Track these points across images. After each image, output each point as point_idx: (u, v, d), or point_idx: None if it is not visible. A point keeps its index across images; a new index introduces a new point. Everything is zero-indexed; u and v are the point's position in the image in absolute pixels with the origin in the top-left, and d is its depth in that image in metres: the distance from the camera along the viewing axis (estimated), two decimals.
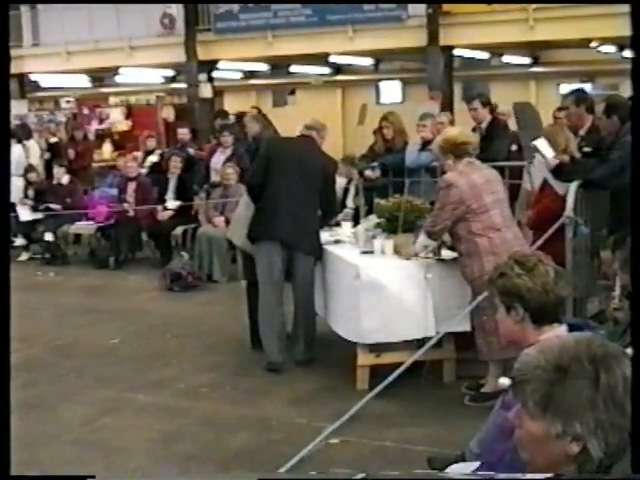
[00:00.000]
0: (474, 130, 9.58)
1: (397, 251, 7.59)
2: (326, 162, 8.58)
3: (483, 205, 6.88)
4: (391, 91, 29.14)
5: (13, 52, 24.26)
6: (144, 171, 15.29)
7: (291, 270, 8.28)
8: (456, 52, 23.53)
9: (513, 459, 2.88)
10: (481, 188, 6.92)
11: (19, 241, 15.51)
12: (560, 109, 10.83)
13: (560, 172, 7.83)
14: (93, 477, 5.41)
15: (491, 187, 7.01)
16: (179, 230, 13.43)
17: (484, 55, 26.71)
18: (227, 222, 12.53)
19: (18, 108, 26.00)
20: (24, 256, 15.21)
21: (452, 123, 11.77)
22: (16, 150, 16.35)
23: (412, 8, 22.06)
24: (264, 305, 8.24)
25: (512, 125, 12.59)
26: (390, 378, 5.92)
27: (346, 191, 12.25)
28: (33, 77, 29.88)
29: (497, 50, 25.80)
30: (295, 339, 8.38)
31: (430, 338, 6.97)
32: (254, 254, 8.34)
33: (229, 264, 12.56)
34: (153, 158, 15.57)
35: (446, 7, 21.41)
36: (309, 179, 8.19)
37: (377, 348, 7.44)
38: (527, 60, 28.61)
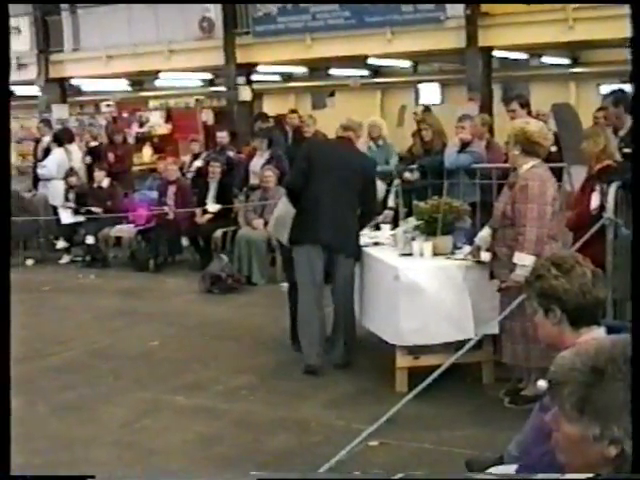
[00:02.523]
0: None
1: (437, 253, 7.58)
2: (366, 162, 8.59)
3: (553, 212, 6.83)
4: (430, 93, 29.01)
5: (54, 57, 24.80)
6: (190, 175, 15.38)
7: (331, 272, 8.26)
8: (495, 53, 23.40)
9: (551, 462, 2.86)
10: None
11: (60, 244, 15.63)
12: (600, 110, 10.76)
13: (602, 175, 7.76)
14: (93, 477, 5.44)
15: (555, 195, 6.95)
16: (219, 233, 13.45)
17: (523, 56, 26.55)
18: (266, 224, 12.57)
19: (59, 112, 26.25)
20: (65, 259, 15.33)
21: (490, 125, 11.73)
22: (58, 154, 16.47)
23: (450, 9, 21.97)
24: (303, 308, 8.22)
25: (551, 126, 12.51)
26: (429, 380, 5.89)
27: (387, 193, 12.23)
28: (74, 81, 30.10)
29: (536, 51, 25.63)
30: (334, 342, 8.34)
31: (469, 340, 6.94)
32: (294, 256, 8.31)
33: (268, 266, 12.59)
34: (198, 163, 15.64)
35: (485, 8, 21.30)
36: (349, 181, 8.16)
37: (416, 350, 7.43)
38: (566, 61, 28.41)
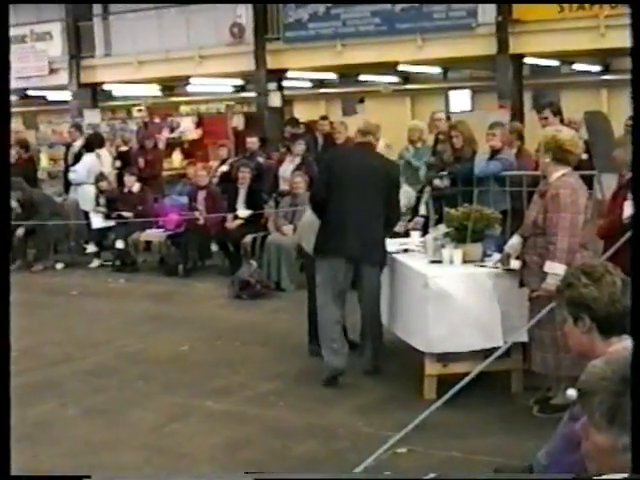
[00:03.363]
0: None
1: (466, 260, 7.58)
2: (388, 167, 8.51)
3: (584, 220, 6.81)
4: (460, 99, 28.99)
5: (86, 62, 24.94)
6: (215, 180, 15.43)
7: (357, 280, 8.20)
8: (526, 60, 23.35)
9: (581, 471, 2.85)
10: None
11: (91, 248, 15.71)
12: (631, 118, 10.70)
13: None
14: (89, 477, 5.45)
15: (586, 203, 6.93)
16: (248, 238, 13.47)
17: (554, 63, 26.47)
18: (296, 230, 12.59)
19: (91, 117, 26.37)
20: (95, 263, 15.40)
21: (521, 133, 11.70)
22: (89, 159, 16.56)
23: (481, 16, 21.94)
24: (323, 318, 8.14)
25: (583, 134, 12.46)
26: (458, 387, 5.88)
27: (417, 200, 12.23)
28: (105, 87, 30.26)
29: (567, 58, 25.54)
30: (363, 348, 8.32)
31: (498, 348, 6.93)
32: (317, 266, 8.23)
33: (297, 272, 12.58)
34: (223, 168, 15.69)
35: (516, 15, 21.26)
36: (373, 188, 8.06)
37: (444, 358, 7.42)
38: (598, 68, 28.30)
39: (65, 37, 28.65)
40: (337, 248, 7.99)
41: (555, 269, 6.53)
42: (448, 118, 13.67)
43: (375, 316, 8.28)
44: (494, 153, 10.66)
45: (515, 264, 7.28)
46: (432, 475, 2.13)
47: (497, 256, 7.57)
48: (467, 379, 5.88)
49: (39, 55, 29.07)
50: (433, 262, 7.76)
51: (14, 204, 15.63)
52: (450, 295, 7.20)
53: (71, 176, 16.81)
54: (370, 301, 8.22)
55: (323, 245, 8.15)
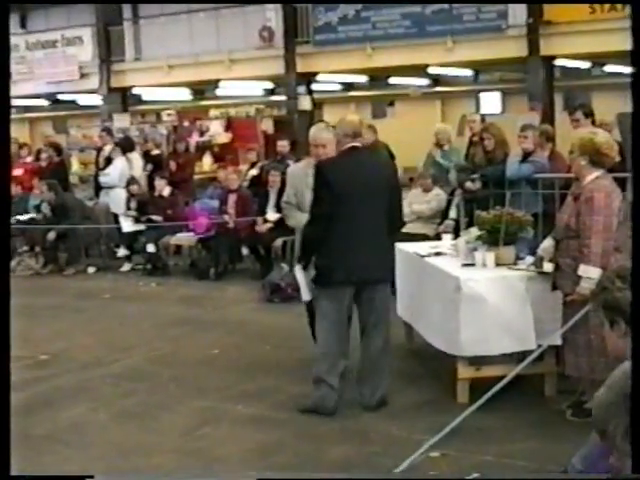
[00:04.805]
0: None
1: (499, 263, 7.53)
2: (387, 167, 7.87)
3: (617, 223, 6.75)
4: (491, 102, 28.93)
5: (116, 67, 25.08)
6: (245, 184, 15.44)
7: (363, 302, 7.48)
8: (557, 62, 23.25)
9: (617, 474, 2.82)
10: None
11: (121, 252, 15.77)
12: None
13: None
14: (92, 477, 5.43)
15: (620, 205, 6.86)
16: (279, 242, 13.45)
17: (585, 65, 26.34)
18: None
19: (121, 121, 26.47)
20: (126, 267, 15.45)
21: (552, 135, 11.63)
22: (120, 163, 16.62)
23: (512, 18, 21.89)
24: (329, 351, 7.43)
25: (616, 136, 12.36)
26: (493, 391, 5.84)
27: (448, 202, 12.18)
28: (135, 91, 30.39)
29: (599, 59, 25.43)
30: (374, 379, 7.54)
31: (530, 351, 6.88)
32: (321, 294, 7.41)
33: None
34: (254, 172, 15.70)
35: (547, 16, 21.18)
36: (376, 198, 7.30)
37: (477, 361, 7.38)
38: (630, 69, 28.11)
39: (95, 42, 28.82)
40: (346, 275, 7.24)
41: (589, 272, 6.47)
42: (483, 120, 13.61)
43: (388, 341, 7.70)
44: (526, 155, 10.60)
45: (548, 267, 7.22)
46: (475, 475, 2.11)
47: (530, 259, 7.52)
48: (502, 383, 5.84)
49: (70, 60, 29.24)
50: (465, 265, 7.72)
51: (45, 207, 15.74)
52: (483, 298, 7.16)
53: (103, 179, 16.88)
54: (382, 323, 7.60)
55: (328, 273, 7.27)
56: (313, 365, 7.49)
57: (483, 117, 14.56)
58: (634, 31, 2.60)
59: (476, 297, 7.17)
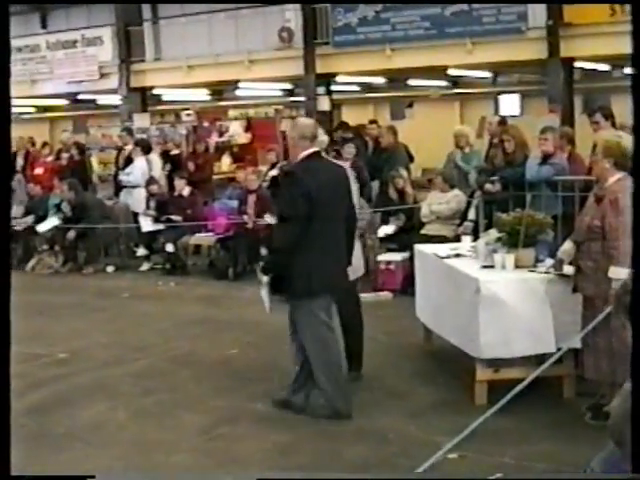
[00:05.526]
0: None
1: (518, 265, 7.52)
2: (343, 173, 7.52)
3: None
4: (510, 104, 28.84)
5: (136, 67, 25.10)
6: (265, 184, 15.46)
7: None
8: (577, 64, 23.17)
9: None
10: None
11: (141, 251, 15.81)
12: None
13: None
14: (93, 477, 5.44)
15: None
16: None
17: (605, 67, 26.25)
18: None
19: (140, 121, 26.53)
20: (145, 266, 15.49)
21: (572, 137, 11.60)
22: (140, 163, 16.66)
23: (532, 20, 21.82)
24: (332, 357, 7.30)
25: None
26: (512, 393, 5.83)
27: (468, 204, 12.17)
28: (155, 91, 30.45)
29: (619, 62, 25.31)
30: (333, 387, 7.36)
31: (549, 354, 6.87)
32: (304, 308, 7.25)
33: None
34: (274, 172, 15.70)
35: (567, 18, 21.11)
36: (341, 203, 7.23)
37: (496, 363, 7.37)
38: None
39: (115, 42, 28.88)
40: (330, 283, 7.18)
41: (620, 274, 6.43)
42: (503, 122, 13.59)
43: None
44: (546, 158, 10.58)
45: (568, 269, 7.21)
46: (498, 475, 2.10)
47: (549, 261, 7.50)
48: (522, 385, 5.83)
49: (90, 59, 29.31)
50: (485, 267, 7.72)
51: (65, 207, 15.79)
52: (502, 300, 7.16)
53: (125, 179, 16.92)
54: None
55: (313, 283, 7.07)
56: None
57: (504, 119, 14.54)
58: (634, 31, 2.60)
59: (495, 299, 7.16)
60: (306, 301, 7.19)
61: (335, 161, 8.12)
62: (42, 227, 15.98)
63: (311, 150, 7.14)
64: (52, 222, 15.97)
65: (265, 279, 7.15)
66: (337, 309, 7.38)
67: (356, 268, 7.87)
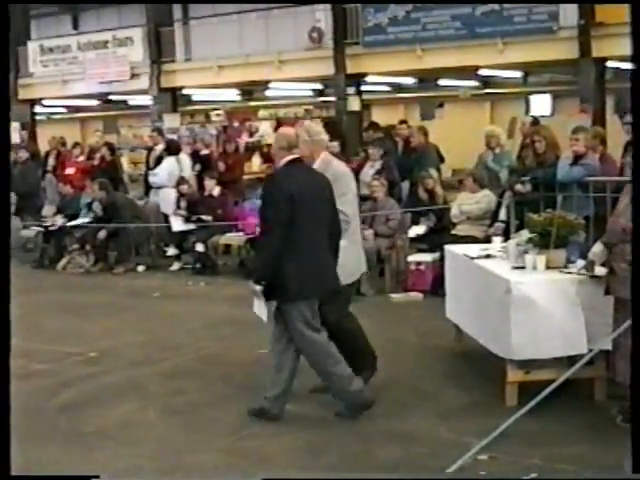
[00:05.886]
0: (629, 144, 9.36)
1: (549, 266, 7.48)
2: (326, 180, 7.45)
3: None
4: (541, 104, 28.74)
5: (166, 67, 25.22)
6: None
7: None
8: (608, 64, 23.04)
9: None
10: None
11: (171, 251, 15.85)
12: None
13: None
14: (97, 477, 5.44)
15: None
16: None
17: None
18: (376, 235, 12.56)
19: (171, 121, 26.67)
20: (176, 266, 15.53)
21: (603, 137, 11.55)
22: (169, 162, 16.72)
23: (563, 19, 21.75)
24: (326, 356, 7.31)
25: None
26: (543, 394, 5.81)
27: (498, 205, 12.13)
28: (185, 91, 30.57)
29: None
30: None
31: (580, 355, 6.83)
32: (293, 311, 7.21)
33: (377, 277, 12.60)
34: None
35: (599, 18, 21.02)
36: (327, 209, 7.28)
37: (526, 364, 7.34)
38: None
39: (146, 42, 29.02)
40: (316, 287, 7.20)
41: None
42: (536, 122, 13.54)
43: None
44: (577, 158, 10.53)
45: (599, 271, 7.17)
46: (533, 475, 2.09)
47: (581, 262, 7.46)
48: (553, 386, 5.81)
49: (120, 60, 29.47)
50: (516, 268, 7.68)
51: (97, 207, 15.88)
52: (533, 301, 7.12)
53: (152, 179, 17.01)
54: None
55: (300, 286, 7.09)
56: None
57: (536, 120, 14.49)
58: (634, 31, 2.58)
59: (526, 300, 7.13)
60: (294, 304, 7.18)
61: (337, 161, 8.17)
62: (74, 222, 16.08)
63: (290, 157, 7.27)
64: (83, 219, 16.07)
65: (258, 288, 7.12)
66: (327, 313, 7.46)
67: (350, 272, 7.76)
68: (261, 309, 7.27)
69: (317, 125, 8.36)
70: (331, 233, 7.31)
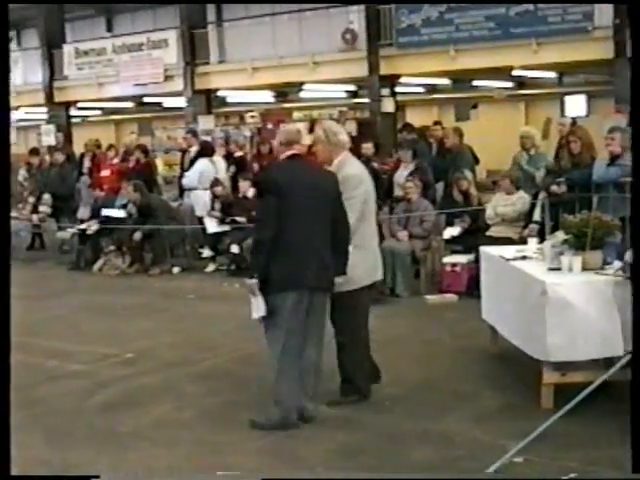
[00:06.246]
0: None
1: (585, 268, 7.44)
2: (329, 178, 7.48)
3: None
4: (576, 104, 28.56)
5: (200, 69, 25.30)
6: None
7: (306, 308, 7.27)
8: None
9: None
10: None
11: (206, 253, 15.91)
12: None
13: None
14: (98, 477, 5.45)
15: None
16: None
17: None
18: (410, 236, 12.55)
19: (205, 123, 26.75)
20: (211, 267, 15.57)
21: None
22: (201, 164, 16.78)
23: (598, 19, 21.63)
24: (287, 358, 7.23)
25: None
26: (580, 396, 5.78)
27: (533, 206, 12.09)
28: (219, 93, 30.66)
29: None
30: (306, 392, 7.41)
31: (618, 357, 6.79)
32: (276, 304, 7.15)
33: (412, 279, 12.58)
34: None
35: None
36: (325, 206, 7.22)
37: (563, 366, 7.31)
38: None
39: (180, 44, 29.13)
40: (301, 278, 7.10)
41: None
42: (574, 123, 13.49)
43: (322, 350, 7.52)
44: (613, 158, 10.47)
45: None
46: (572, 475, 2.09)
47: (618, 264, 7.42)
48: (590, 388, 5.78)
49: (155, 62, 29.61)
50: (551, 269, 7.65)
51: (132, 208, 15.96)
52: (569, 303, 7.09)
53: (183, 181, 17.10)
54: (319, 333, 7.45)
55: (284, 277, 7.08)
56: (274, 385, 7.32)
57: (574, 120, 14.42)
58: (634, 31, 2.56)
59: (562, 302, 7.10)
60: (274, 296, 7.12)
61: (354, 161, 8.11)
62: (108, 212, 16.17)
63: (289, 152, 7.32)
64: (118, 213, 16.16)
65: (252, 282, 7.11)
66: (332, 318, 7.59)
67: (352, 279, 7.60)
68: (259, 308, 7.27)
69: (337, 125, 8.36)
70: (335, 232, 7.26)
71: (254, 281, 7.08)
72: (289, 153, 7.33)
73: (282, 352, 7.20)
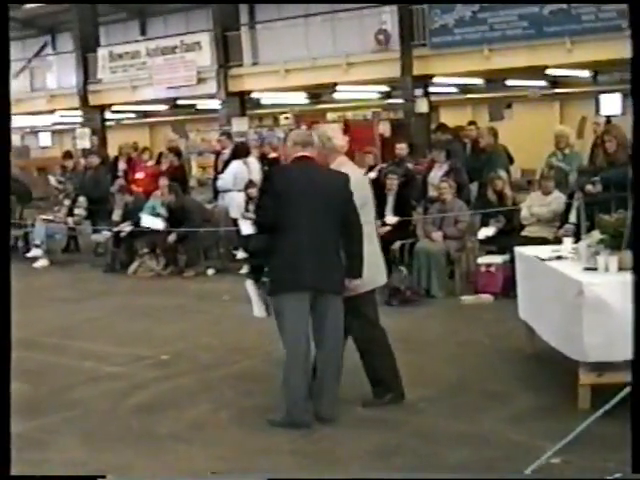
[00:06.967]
0: None
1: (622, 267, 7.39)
2: (338, 180, 7.38)
3: None
4: (611, 103, 28.38)
5: (234, 71, 25.34)
6: None
7: (315, 313, 7.31)
8: None
9: None
10: None
11: (240, 254, 15.91)
12: None
13: None
14: (104, 477, 5.44)
15: None
16: (397, 245, 13.36)
17: None
18: (445, 237, 12.53)
19: (239, 125, 26.82)
20: (245, 269, 15.58)
21: None
22: (235, 166, 16.80)
23: None
24: (292, 361, 7.34)
25: None
26: (618, 397, 5.74)
27: (568, 206, 12.03)
28: (253, 95, 30.74)
29: None
30: (322, 393, 7.46)
31: None
32: (278, 305, 7.29)
33: (447, 279, 12.54)
34: (372, 175, 15.70)
35: None
36: (325, 206, 7.18)
37: (599, 367, 7.26)
38: None
39: (213, 47, 29.24)
40: (298, 280, 7.11)
41: None
42: (609, 122, 13.40)
43: (339, 353, 7.52)
44: None
45: None
46: (617, 475, 2.07)
47: None
48: (627, 389, 5.73)
49: (188, 65, 29.74)
50: (587, 269, 7.61)
51: (162, 211, 16.01)
52: (606, 303, 7.05)
53: (218, 183, 17.13)
54: (334, 337, 7.42)
55: (282, 281, 7.19)
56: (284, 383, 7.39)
57: (609, 119, 14.33)
58: (634, 31, 2.54)
59: (599, 302, 7.06)
60: (272, 298, 7.33)
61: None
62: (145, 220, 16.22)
63: (299, 154, 7.34)
64: (155, 223, 16.19)
65: (247, 282, 7.21)
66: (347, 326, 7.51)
67: (368, 281, 7.62)
68: (259, 309, 7.33)
69: (331, 130, 8.32)
70: (346, 234, 7.26)
71: (249, 281, 7.19)
72: (299, 155, 7.36)
73: (286, 353, 7.35)
